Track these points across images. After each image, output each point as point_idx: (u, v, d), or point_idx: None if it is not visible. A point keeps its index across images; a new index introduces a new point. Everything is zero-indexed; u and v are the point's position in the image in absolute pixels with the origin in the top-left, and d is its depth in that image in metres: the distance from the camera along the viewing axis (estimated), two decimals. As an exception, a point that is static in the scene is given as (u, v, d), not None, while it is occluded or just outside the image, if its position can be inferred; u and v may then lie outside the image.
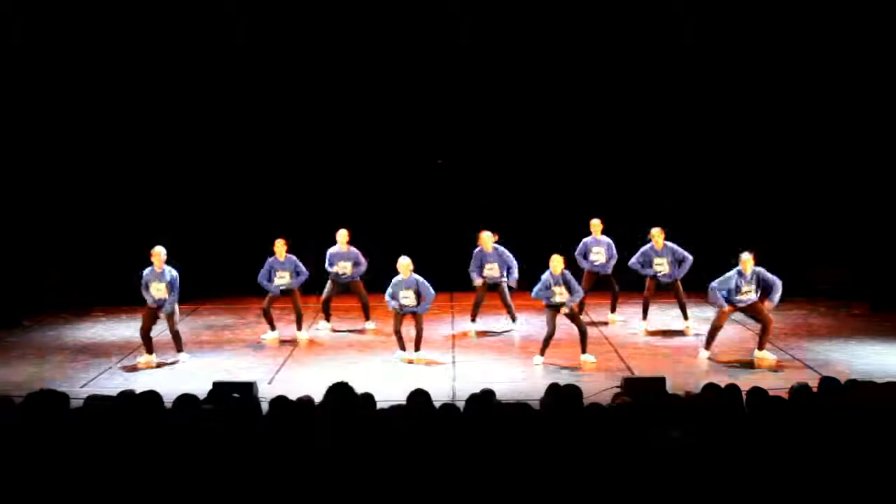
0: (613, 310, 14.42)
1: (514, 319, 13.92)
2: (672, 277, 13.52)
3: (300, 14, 16.47)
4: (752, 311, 12.06)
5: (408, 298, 12.14)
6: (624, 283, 14.42)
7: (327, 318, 14.12)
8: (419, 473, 5.79)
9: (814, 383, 7.37)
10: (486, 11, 16.45)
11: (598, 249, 13.95)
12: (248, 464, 5.88)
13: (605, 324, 14.15)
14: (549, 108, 16.97)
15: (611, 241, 14.04)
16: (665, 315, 14.24)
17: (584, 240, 14.04)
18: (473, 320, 13.89)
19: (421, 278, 12.24)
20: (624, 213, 15.79)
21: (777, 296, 11.92)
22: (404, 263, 12.23)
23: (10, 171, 16.06)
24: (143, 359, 12.19)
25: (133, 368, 12.01)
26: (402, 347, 12.28)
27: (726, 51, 16.35)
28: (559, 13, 16.50)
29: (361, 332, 13.96)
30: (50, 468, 5.82)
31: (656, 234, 13.55)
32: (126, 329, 14.16)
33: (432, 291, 12.26)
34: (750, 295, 11.90)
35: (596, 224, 14.05)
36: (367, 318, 14.16)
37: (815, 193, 16.61)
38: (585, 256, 13.98)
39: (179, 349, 12.41)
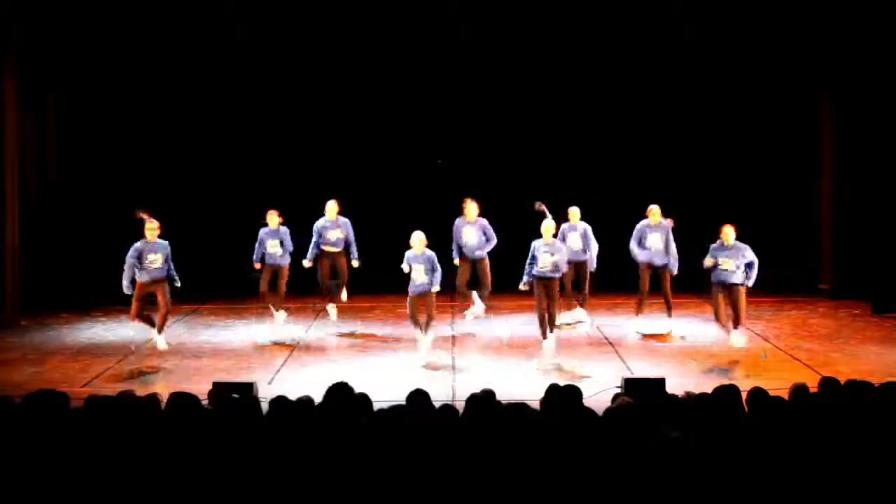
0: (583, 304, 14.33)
1: (482, 298, 13.86)
2: (662, 262, 13.46)
3: (300, 14, 16.48)
4: (733, 296, 12.19)
5: (419, 273, 12.08)
6: (619, 283, 14.45)
7: (324, 298, 14.15)
8: (419, 474, 5.79)
9: (814, 383, 7.37)
10: (486, 11, 16.46)
11: (574, 235, 13.87)
12: (247, 464, 5.88)
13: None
14: (550, 108, 16.99)
15: (588, 227, 14.00)
16: (664, 315, 14.20)
17: (562, 226, 13.86)
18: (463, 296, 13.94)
19: (433, 254, 12.19)
20: (623, 211, 15.80)
21: (753, 274, 12.16)
22: (418, 238, 12.15)
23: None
24: (159, 341, 12.45)
25: (137, 370, 11.93)
26: (420, 329, 12.28)
27: (726, 51, 16.37)
28: (559, 13, 16.52)
29: (350, 335, 13.82)
30: (50, 468, 5.82)
31: (654, 210, 13.58)
32: (126, 329, 14.15)
33: (439, 269, 12.20)
34: (729, 266, 12.10)
35: (574, 212, 13.99)
36: (346, 292, 14.15)
37: (816, 193, 16.63)
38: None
39: (160, 330, 12.51)
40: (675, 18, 16.21)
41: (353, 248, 13.93)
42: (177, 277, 12.52)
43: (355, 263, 13.92)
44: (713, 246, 12.33)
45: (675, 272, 13.41)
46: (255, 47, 16.45)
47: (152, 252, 12.29)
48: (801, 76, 16.31)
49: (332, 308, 14.20)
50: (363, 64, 16.78)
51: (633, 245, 13.62)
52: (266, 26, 16.45)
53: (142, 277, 12.30)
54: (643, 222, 13.65)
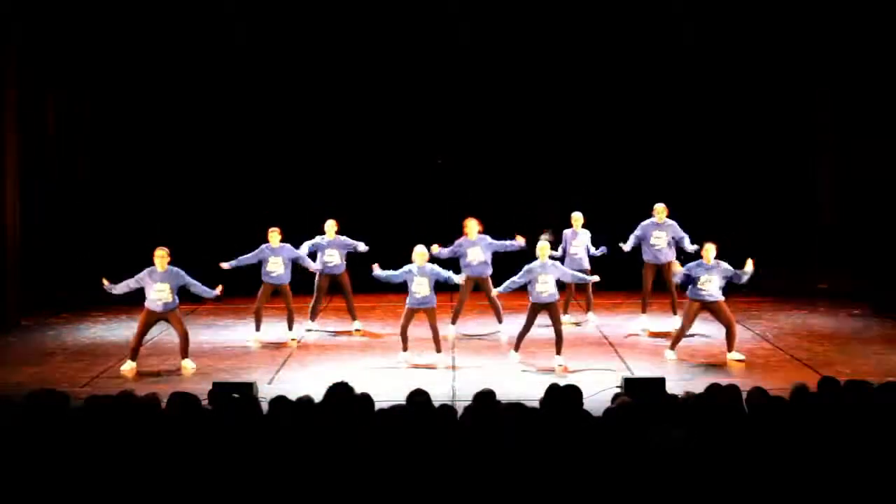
0: (589, 307, 14.34)
1: (500, 321, 13.67)
2: (666, 260, 13.49)
3: (300, 14, 16.48)
4: (714, 310, 11.81)
5: (422, 286, 11.86)
6: (622, 283, 14.47)
7: (313, 318, 13.94)
8: (419, 473, 5.79)
9: (814, 383, 7.37)
10: (486, 11, 16.46)
11: (577, 243, 13.87)
12: (247, 464, 5.89)
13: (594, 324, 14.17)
14: (550, 108, 16.99)
15: (589, 236, 13.99)
16: (665, 315, 14.21)
17: (564, 232, 13.89)
18: (454, 322, 13.62)
19: (436, 268, 12.05)
20: (623, 212, 15.81)
21: (745, 277, 11.79)
22: (420, 252, 11.98)
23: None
24: (127, 366, 11.79)
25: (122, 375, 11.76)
26: (405, 348, 12.02)
27: (726, 51, 16.38)
28: (559, 13, 16.52)
29: (349, 333, 13.88)
30: (50, 468, 5.83)
31: (660, 209, 13.61)
32: (126, 329, 14.16)
33: (448, 273, 12.07)
34: (709, 287, 11.67)
35: (577, 217, 13.97)
36: (354, 318, 14.01)
37: (816, 193, 16.64)
38: (565, 251, 13.85)
39: (184, 354, 11.97)
40: (675, 18, 16.23)
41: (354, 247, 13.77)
42: (206, 292, 12.02)
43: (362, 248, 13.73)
44: (693, 264, 11.91)
45: (690, 248, 13.34)
46: (255, 47, 16.46)
47: (160, 282, 11.67)
48: (802, 76, 16.32)
49: (313, 325, 14.02)
50: (363, 64, 16.79)
51: (631, 239, 13.65)
52: (266, 26, 16.46)
53: (151, 306, 11.75)
54: (648, 220, 13.70)
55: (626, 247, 13.73)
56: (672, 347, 12.08)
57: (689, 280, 11.85)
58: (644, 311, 13.88)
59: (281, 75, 16.80)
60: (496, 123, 17.03)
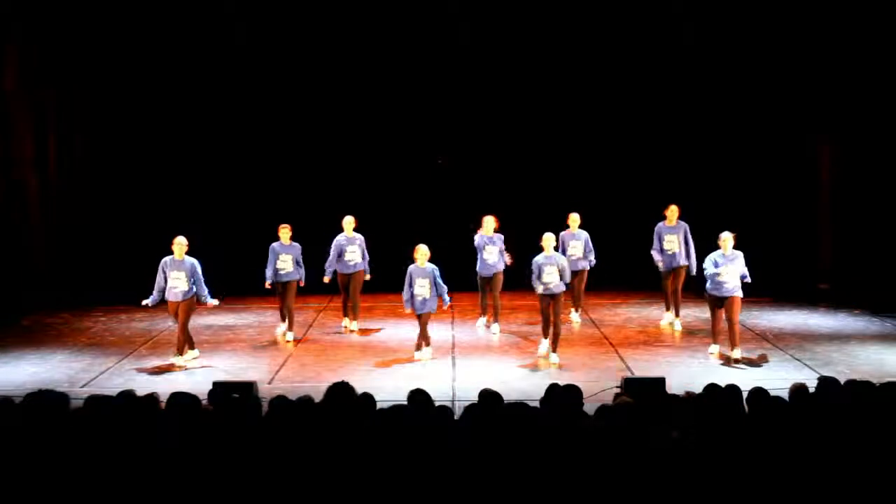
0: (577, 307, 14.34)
1: (491, 319, 13.75)
2: (680, 263, 13.56)
3: (300, 14, 16.49)
4: (727, 305, 11.78)
5: (423, 288, 11.93)
6: (621, 283, 14.47)
7: (346, 315, 14.00)
8: (419, 473, 5.79)
9: (813, 383, 7.37)
10: (486, 11, 16.47)
11: (576, 244, 13.90)
12: (247, 463, 5.89)
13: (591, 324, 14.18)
14: (550, 108, 17.00)
15: (588, 236, 14.00)
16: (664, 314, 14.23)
17: (561, 234, 13.86)
18: (484, 315, 13.83)
19: (435, 267, 12.07)
20: (624, 212, 15.83)
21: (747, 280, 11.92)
22: (422, 251, 12.04)
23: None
24: (177, 360, 11.98)
25: (159, 370, 11.90)
26: (427, 343, 12.21)
27: (727, 51, 16.38)
28: (559, 13, 16.53)
29: (349, 331, 13.90)
30: (50, 468, 5.83)
31: (671, 211, 13.64)
32: (126, 329, 14.17)
33: (445, 287, 12.10)
34: (727, 276, 11.71)
35: (574, 218, 13.98)
36: (356, 317, 13.97)
37: (816, 193, 16.64)
38: (564, 252, 13.89)
39: (192, 346, 12.13)
40: (675, 18, 16.23)
41: (365, 264, 13.79)
42: (205, 296, 11.95)
43: (368, 277, 13.79)
44: (715, 255, 11.88)
45: (694, 272, 13.43)
46: (256, 47, 16.46)
47: (176, 270, 11.85)
48: (802, 75, 16.31)
49: (349, 323, 14.04)
50: (364, 64, 16.79)
51: (654, 253, 13.71)
52: (266, 26, 16.46)
53: (170, 297, 11.91)
54: (660, 224, 13.72)
55: (657, 257, 13.75)
56: (715, 342, 12.09)
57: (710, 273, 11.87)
58: (668, 310, 13.95)
59: (281, 75, 16.80)
60: (496, 123, 17.04)
